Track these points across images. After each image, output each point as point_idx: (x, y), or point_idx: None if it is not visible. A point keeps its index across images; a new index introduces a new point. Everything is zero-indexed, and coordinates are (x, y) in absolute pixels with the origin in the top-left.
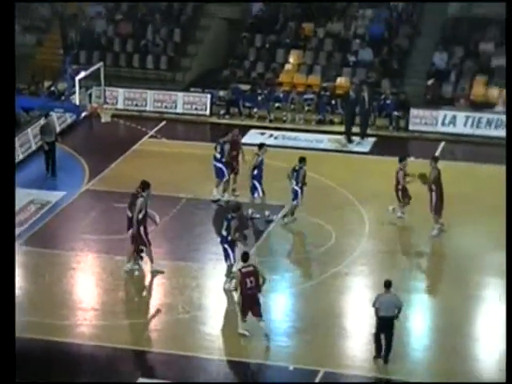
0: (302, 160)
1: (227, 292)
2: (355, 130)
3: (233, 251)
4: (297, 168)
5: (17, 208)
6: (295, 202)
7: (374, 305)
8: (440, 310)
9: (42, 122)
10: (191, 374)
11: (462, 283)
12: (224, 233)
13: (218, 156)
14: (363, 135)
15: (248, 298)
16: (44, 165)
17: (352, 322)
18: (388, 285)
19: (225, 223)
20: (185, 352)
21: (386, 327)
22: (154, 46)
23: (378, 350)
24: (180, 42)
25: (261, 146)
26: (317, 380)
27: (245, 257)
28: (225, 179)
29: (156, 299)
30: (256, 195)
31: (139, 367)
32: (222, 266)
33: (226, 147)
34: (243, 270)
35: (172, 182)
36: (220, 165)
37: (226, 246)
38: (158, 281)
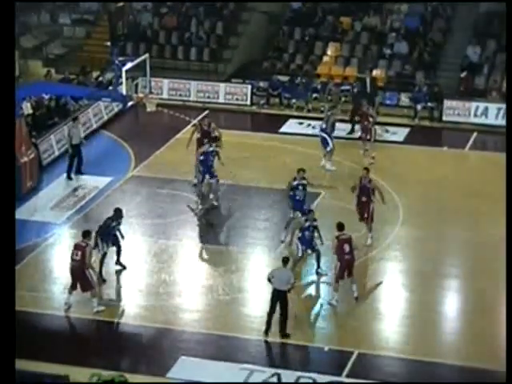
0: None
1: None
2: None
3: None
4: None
5: (66, 193)
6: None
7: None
8: (471, 295)
9: (71, 125)
10: (231, 353)
11: (493, 269)
12: None
13: (324, 126)
14: None
15: (346, 262)
16: (66, 169)
17: (385, 306)
18: (341, 227)
19: None
20: (225, 332)
21: None
22: (197, 38)
23: None
24: (222, 35)
25: None
26: (351, 360)
27: (339, 227)
28: (328, 148)
29: (198, 281)
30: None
31: (181, 346)
32: (260, 251)
33: (332, 119)
34: (340, 238)
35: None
36: (324, 134)
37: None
38: (200, 264)
